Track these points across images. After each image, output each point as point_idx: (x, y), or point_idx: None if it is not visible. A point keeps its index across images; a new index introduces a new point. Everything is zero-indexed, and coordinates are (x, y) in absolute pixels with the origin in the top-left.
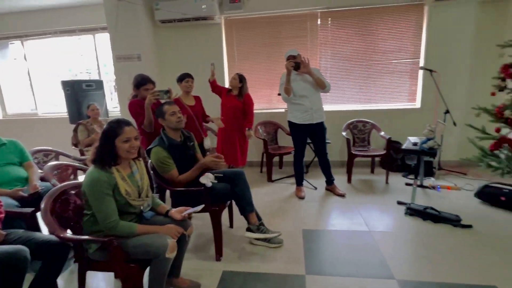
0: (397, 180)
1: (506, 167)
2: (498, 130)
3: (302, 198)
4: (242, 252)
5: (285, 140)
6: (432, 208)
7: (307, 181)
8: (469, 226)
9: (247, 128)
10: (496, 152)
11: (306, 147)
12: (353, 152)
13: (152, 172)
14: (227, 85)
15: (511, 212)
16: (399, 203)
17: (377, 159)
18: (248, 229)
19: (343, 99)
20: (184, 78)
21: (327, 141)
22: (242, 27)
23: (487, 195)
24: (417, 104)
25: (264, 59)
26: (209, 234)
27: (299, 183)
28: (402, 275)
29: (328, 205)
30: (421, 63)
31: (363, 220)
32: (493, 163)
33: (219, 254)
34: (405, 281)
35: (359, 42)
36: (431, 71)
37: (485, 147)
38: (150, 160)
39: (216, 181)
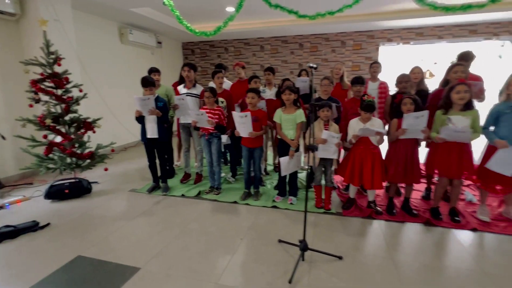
0: None
1: (62, 165)
2: (45, 137)
3: None
4: None
5: None
6: (7, 226)
7: None
8: (48, 224)
9: None
10: (50, 155)
11: None
12: None
13: None
14: None
15: (76, 199)
16: None
17: None
18: None
19: None
20: None
21: None
22: None
23: (54, 193)
24: None
25: None
26: None
27: None
28: None
29: None
30: None
31: None
32: (51, 165)
33: None
34: None
35: None
36: None
37: (40, 153)
38: None
39: None
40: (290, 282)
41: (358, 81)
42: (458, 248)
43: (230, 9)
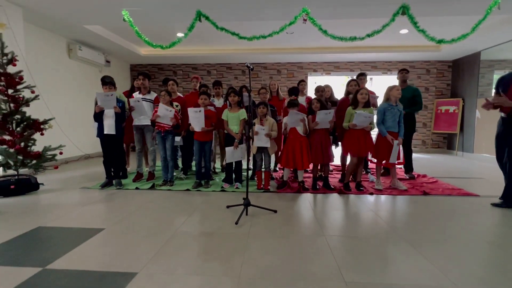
0: None
1: (8, 159)
2: None
3: None
4: None
5: None
6: None
7: None
8: None
9: None
10: None
11: None
12: None
13: None
14: None
15: (22, 196)
16: None
17: None
18: None
19: None
20: None
21: None
22: None
23: None
24: None
25: None
26: None
27: None
28: None
29: None
30: None
31: None
32: None
33: None
34: None
35: None
36: None
37: None
38: None
39: None
40: (236, 223)
41: (293, 91)
42: (360, 204)
43: (180, 35)
